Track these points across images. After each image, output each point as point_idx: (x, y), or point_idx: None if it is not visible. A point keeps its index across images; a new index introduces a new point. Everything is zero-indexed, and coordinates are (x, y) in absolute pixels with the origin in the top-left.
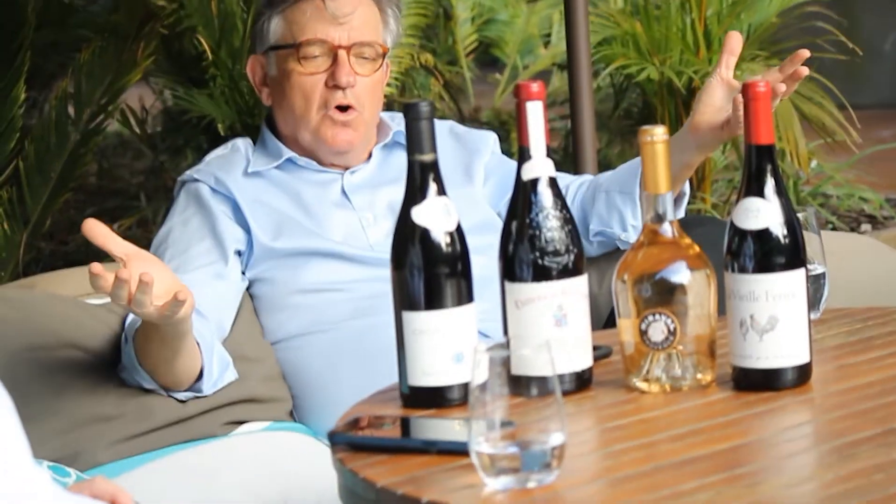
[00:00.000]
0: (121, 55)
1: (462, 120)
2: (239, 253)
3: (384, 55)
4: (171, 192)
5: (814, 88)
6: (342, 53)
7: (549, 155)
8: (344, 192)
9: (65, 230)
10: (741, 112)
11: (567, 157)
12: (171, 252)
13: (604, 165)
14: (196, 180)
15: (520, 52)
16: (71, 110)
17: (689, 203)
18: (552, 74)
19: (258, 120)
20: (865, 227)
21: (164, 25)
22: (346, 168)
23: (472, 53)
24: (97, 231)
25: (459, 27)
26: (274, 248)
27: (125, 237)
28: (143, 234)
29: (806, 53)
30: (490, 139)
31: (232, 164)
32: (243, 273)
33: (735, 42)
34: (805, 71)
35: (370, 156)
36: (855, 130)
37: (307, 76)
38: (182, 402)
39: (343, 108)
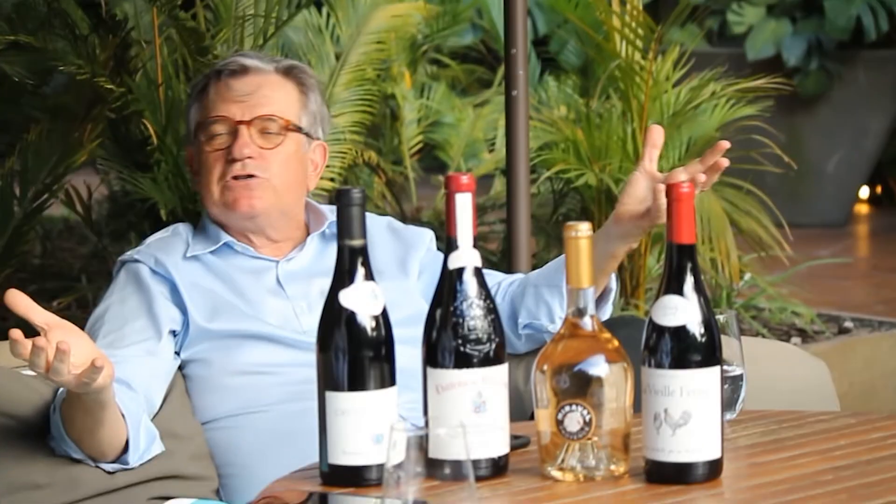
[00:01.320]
0: (68, 136)
1: (403, 219)
2: (174, 333)
3: (288, 127)
4: (111, 277)
5: (752, 203)
6: (242, 128)
7: (486, 256)
8: (279, 281)
9: (4, 306)
10: (662, 200)
11: (503, 259)
12: (106, 328)
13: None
14: (136, 261)
15: (464, 156)
16: (16, 188)
17: (622, 309)
18: (495, 178)
19: (200, 206)
20: (796, 340)
21: (111, 109)
22: (281, 256)
23: (417, 154)
24: (18, 301)
25: (405, 128)
26: (209, 330)
27: (64, 316)
28: (81, 315)
29: (726, 144)
30: (427, 236)
31: (172, 246)
32: (177, 353)
33: (657, 135)
34: (725, 162)
35: (305, 244)
36: (789, 247)
37: (211, 153)
38: (109, 473)
39: (240, 178)
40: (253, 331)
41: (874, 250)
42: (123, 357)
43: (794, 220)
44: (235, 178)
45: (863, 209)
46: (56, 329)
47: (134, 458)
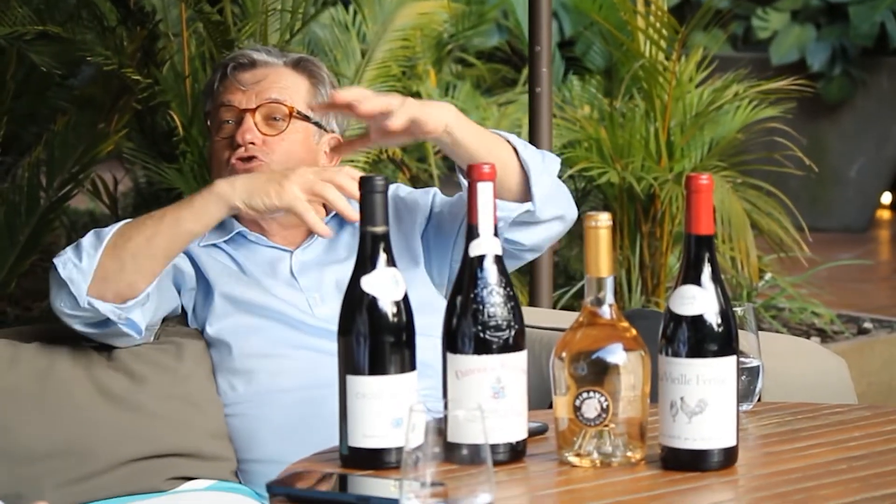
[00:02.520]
0: (95, 126)
1: None
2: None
3: (292, 114)
4: None
5: (773, 205)
6: (247, 116)
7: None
8: (292, 272)
9: (30, 297)
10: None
11: None
12: None
13: (560, 266)
14: None
15: None
16: (43, 178)
17: (642, 306)
18: None
19: None
20: (815, 339)
21: (137, 100)
22: (294, 245)
23: (441, 152)
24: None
25: None
26: (233, 297)
27: None
28: None
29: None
30: (426, 197)
31: None
32: (204, 328)
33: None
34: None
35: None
36: (809, 250)
37: (218, 140)
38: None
39: (244, 160)
40: (272, 307)
41: (895, 254)
42: None
43: (816, 224)
44: (238, 160)
45: (885, 215)
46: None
47: (137, 315)
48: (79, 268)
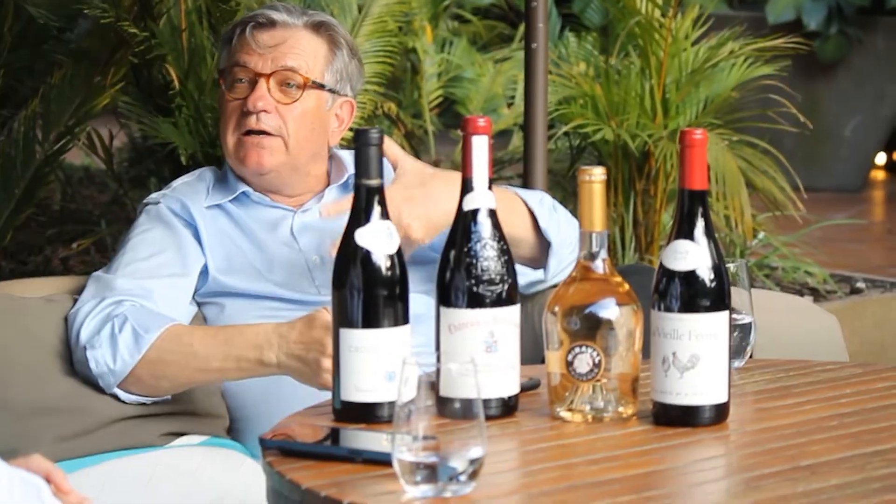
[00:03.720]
0: (91, 79)
1: None
2: (200, 274)
3: (307, 84)
4: (132, 222)
5: (768, 163)
6: (261, 80)
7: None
8: (292, 232)
9: (25, 251)
10: None
11: None
12: (128, 257)
13: None
14: (161, 203)
15: (483, 111)
16: (39, 131)
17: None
18: (513, 134)
19: (220, 151)
20: (808, 298)
21: (133, 53)
22: (298, 206)
23: (437, 109)
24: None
25: (426, 82)
26: (224, 283)
27: (82, 259)
28: (100, 259)
29: None
30: None
31: (196, 192)
32: (197, 288)
33: None
34: None
35: (322, 195)
36: (804, 207)
37: (229, 102)
38: (123, 402)
39: (254, 133)
40: (262, 292)
41: (889, 215)
42: (148, 289)
43: (811, 183)
44: (249, 132)
45: (879, 175)
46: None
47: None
48: (112, 371)
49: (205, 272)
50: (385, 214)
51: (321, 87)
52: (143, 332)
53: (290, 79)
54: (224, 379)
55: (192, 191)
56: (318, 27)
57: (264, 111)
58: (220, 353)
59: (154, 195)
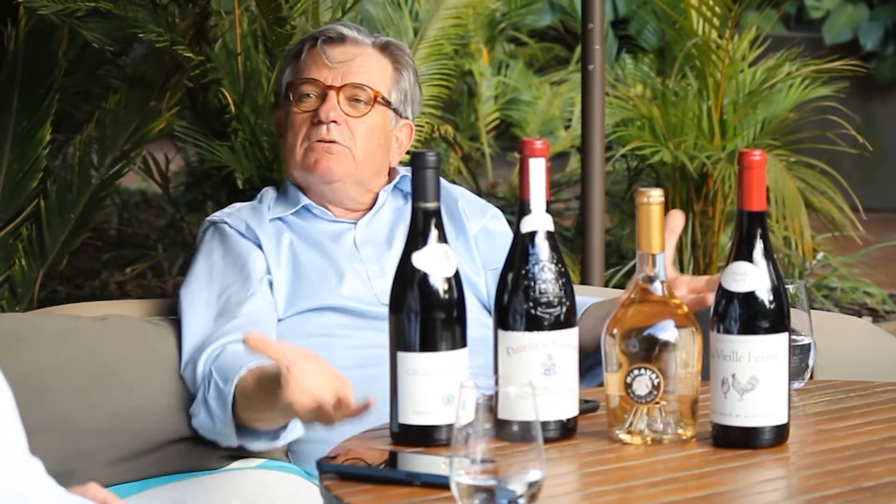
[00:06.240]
0: (146, 104)
1: (479, 194)
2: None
3: (377, 99)
4: (189, 246)
5: (826, 183)
6: (331, 93)
7: (560, 233)
8: (355, 244)
9: (82, 275)
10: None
11: (577, 235)
12: (217, 288)
13: (613, 245)
14: (226, 223)
15: (540, 133)
16: (94, 156)
17: None
18: (571, 156)
19: (277, 174)
20: (866, 319)
21: (189, 78)
22: (356, 217)
23: (494, 131)
24: (254, 342)
25: (482, 104)
26: (290, 297)
27: (139, 283)
28: (156, 283)
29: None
30: (489, 211)
31: (260, 212)
32: None
33: (675, 221)
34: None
35: (376, 200)
36: (863, 228)
37: (298, 114)
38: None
39: (323, 142)
40: (328, 304)
41: None
42: (254, 311)
43: (869, 204)
44: (319, 140)
45: None
46: (297, 361)
47: (284, 437)
48: (221, 433)
49: (270, 285)
50: (442, 238)
51: (388, 104)
52: (224, 382)
53: (360, 93)
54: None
55: (255, 212)
56: (386, 47)
57: (334, 122)
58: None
59: (217, 214)
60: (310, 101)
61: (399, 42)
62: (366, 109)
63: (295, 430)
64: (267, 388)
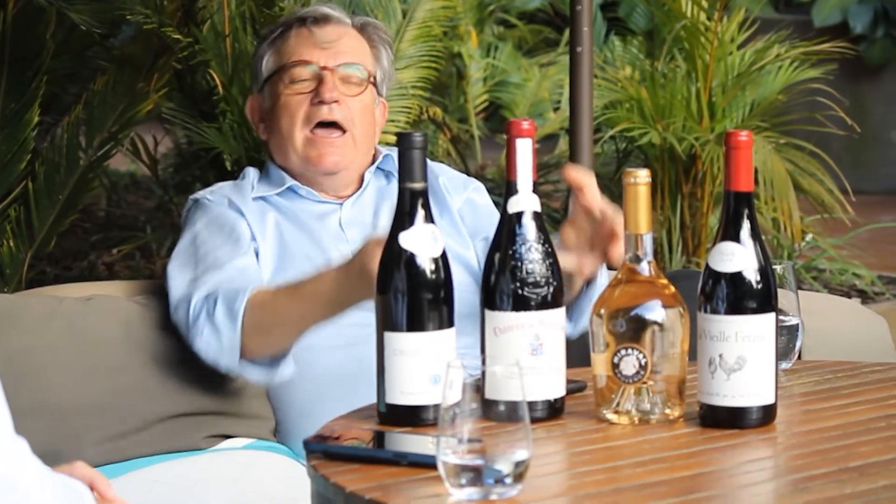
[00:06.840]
0: (134, 85)
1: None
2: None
3: (369, 79)
4: (177, 228)
5: (816, 165)
6: (327, 74)
7: (549, 214)
8: (340, 225)
9: (70, 257)
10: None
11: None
12: (203, 250)
13: None
14: (209, 200)
15: (529, 115)
16: (82, 138)
17: (684, 266)
18: (559, 138)
19: (264, 156)
20: (855, 300)
21: (177, 59)
22: (343, 198)
23: (483, 113)
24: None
25: (471, 86)
26: (274, 276)
27: (127, 264)
28: (144, 264)
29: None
30: (471, 184)
31: (242, 189)
32: None
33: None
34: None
35: (362, 180)
36: (852, 210)
37: (293, 96)
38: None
39: (327, 125)
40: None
41: None
42: (246, 266)
43: (858, 186)
44: (320, 125)
45: None
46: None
47: (284, 371)
48: (223, 349)
49: (256, 254)
50: (429, 218)
51: (375, 83)
52: (232, 302)
53: (353, 74)
54: (320, 321)
55: (238, 189)
56: (364, 28)
57: (336, 102)
58: (304, 307)
59: (201, 192)
60: (305, 83)
61: (376, 21)
62: (360, 90)
63: (288, 366)
64: (320, 278)
